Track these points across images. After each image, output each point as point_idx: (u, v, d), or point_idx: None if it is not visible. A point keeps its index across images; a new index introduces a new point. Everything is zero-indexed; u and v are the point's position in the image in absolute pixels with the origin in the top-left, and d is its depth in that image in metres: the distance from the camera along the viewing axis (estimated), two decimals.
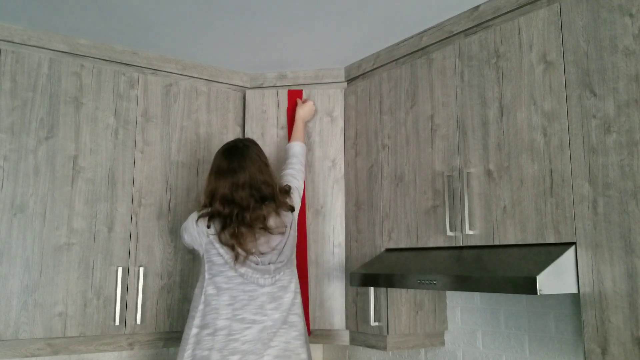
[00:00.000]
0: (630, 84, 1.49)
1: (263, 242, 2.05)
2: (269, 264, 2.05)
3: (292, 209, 2.17)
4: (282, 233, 2.09)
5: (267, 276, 2.04)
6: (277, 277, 2.06)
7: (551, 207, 1.65)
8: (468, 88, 1.96)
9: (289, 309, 2.06)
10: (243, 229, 2.00)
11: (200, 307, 2.01)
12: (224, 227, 2.01)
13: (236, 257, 2.00)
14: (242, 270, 2.02)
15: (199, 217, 2.07)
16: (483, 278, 1.62)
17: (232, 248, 2.00)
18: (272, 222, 2.07)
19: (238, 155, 2.09)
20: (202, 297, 2.02)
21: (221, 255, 2.02)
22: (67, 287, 2.16)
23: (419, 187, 2.11)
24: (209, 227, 2.04)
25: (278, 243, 2.09)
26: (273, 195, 2.08)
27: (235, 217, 2.00)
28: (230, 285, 2.01)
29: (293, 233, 2.15)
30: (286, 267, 2.10)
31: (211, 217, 2.04)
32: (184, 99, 2.53)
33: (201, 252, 2.09)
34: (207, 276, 2.04)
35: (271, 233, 2.06)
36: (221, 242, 2.02)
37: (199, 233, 2.06)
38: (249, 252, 2.00)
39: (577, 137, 1.61)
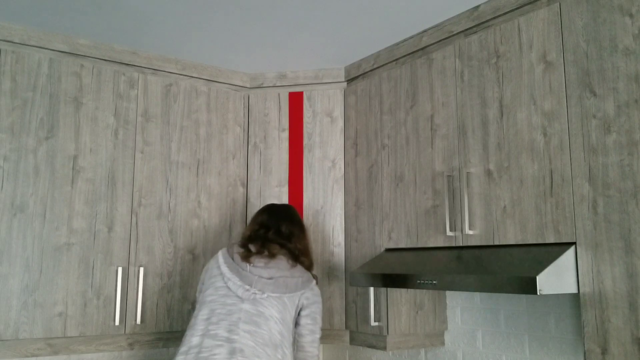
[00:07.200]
0: (630, 84, 1.49)
1: (262, 262, 2.01)
2: (255, 275, 1.97)
3: (311, 272, 2.13)
4: (292, 278, 2.02)
5: (247, 287, 1.93)
6: (258, 295, 1.93)
7: (551, 207, 1.65)
8: (468, 88, 1.95)
9: (265, 346, 1.87)
10: (259, 244, 2.06)
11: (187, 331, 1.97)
12: (249, 239, 2.10)
13: (245, 254, 2.01)
14: (229, 275, 1.96)
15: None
16: (483, 278, 1.62)
17: (246, 248, 2.04)
18: (283, 258, 2.05)
19: (280, 211, 2.20)
20: (191, 320, 1.99)
21: (219, 266, 2.01)
22: (67, 287, 2.16)
23: (419, 187, 2.11)
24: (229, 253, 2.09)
25: (276, 271, 2.00)
26: (299, 252, 2.10)
27: (263, 233, 2.10)
28: (213, 298, 1.95)
29: (296, 286, 2.02)
30: (273, 297, 1.95)
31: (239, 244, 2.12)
32: (184, 99, 2.53)
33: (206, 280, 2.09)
34: (199, 298, 2.03)
35: (274, 259, 2.03)
36: (240, 244, 2.08)
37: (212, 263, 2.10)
38: (250, 260, 2.00)
39: (577, 137, 1.61)
